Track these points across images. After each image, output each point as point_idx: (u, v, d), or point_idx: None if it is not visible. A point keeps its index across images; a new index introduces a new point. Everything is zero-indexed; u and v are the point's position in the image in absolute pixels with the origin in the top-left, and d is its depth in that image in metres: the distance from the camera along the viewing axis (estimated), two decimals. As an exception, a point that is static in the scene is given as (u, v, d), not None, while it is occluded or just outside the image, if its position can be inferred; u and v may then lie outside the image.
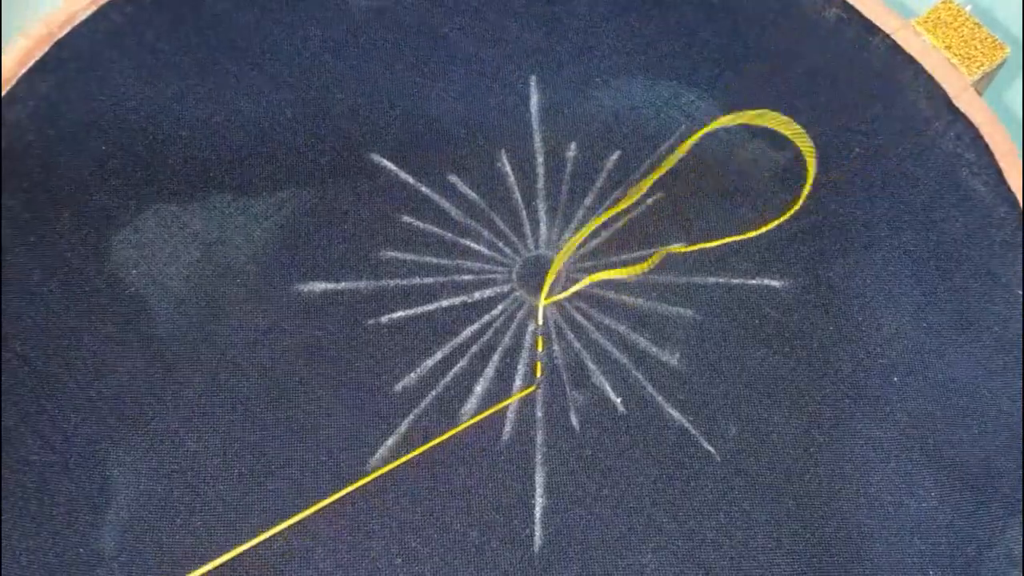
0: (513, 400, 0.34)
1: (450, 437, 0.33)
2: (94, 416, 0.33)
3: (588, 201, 0.37)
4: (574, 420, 0.34)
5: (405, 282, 0.35)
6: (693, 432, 0.33)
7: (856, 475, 0.33)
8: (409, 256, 0.36)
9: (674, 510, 0.32)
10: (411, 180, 0.37)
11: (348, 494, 0.32)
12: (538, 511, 0.32)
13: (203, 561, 0.32)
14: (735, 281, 0.35)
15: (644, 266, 0.35)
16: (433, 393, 0.34)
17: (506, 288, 0.36)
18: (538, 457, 0.33)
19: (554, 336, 0.35)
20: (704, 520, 0.32)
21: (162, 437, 0.33)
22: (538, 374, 0.34)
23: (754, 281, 0.35)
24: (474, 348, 0.35)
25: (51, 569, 0.32)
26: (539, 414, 0.34)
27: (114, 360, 0.34)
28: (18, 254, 0.36)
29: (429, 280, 0.36)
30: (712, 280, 0.35)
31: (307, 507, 0.32)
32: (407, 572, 0.32)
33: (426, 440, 0.33)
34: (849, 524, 0.32)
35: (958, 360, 0.34)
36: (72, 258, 0.36)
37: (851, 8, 0.40)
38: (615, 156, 0.37)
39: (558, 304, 0.35)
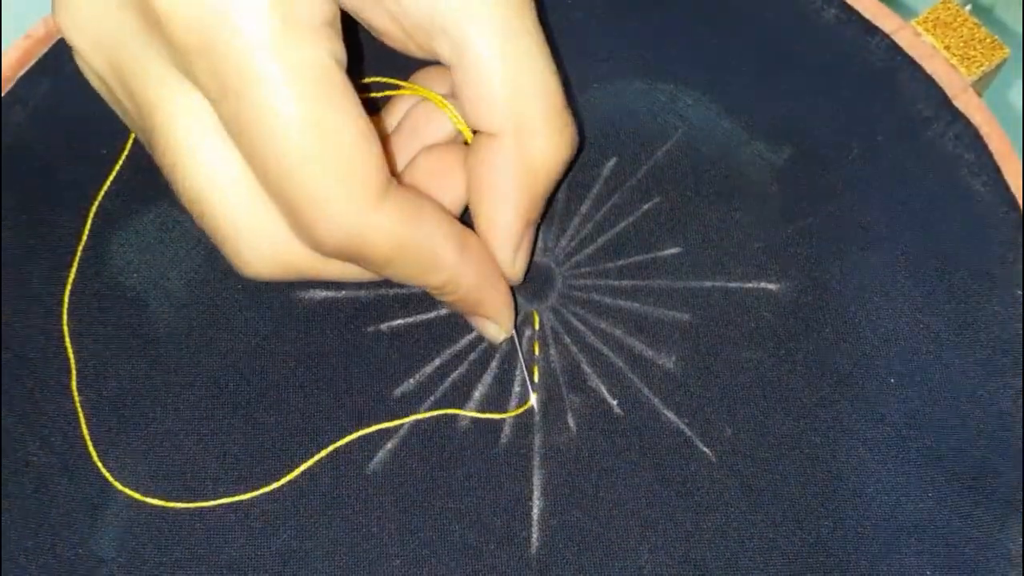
0: (512, 415, 0.34)
1: (446, 443, 0.34)
2: (94, 418, 0.34)
3: (584, 208, 0.37)
4: (571, 423, 0.34)
5: (404, 291, 0.36)
6: (689, 434, 0.34)
7: (852, 476, 0.33)
8: None
9: (670, 511, 0.33)
10: None
11: (346, 498, 0.33)
12: (536, 512, 0.33)
13: (204, 563, 0.32)
14: (732, 285, 0.36)
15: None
16: (432, 399, 0.34)
17: None
18: (536, 460, 0.33)
19: (551, 341, 0.35)
20: (700, 521, 0.32)
21: (162, 439, 0.34)
22: (535, 379, 0.34)
23: (751, 284, 0.36)
24: (472, 355, 0.35)
25: (50, 570, 0.32)
26: (537, 417, 0.34)
27: (115, 362, 0.35)
28: (18, 256, 0.36)
29: None
30: (708, 284, 0.36)
31: (306, 511, 0.33)
32: (405, 574, 0.32)
33: (425, 445, 0.34)
34: (846, 525, 0.32)
35: (956, 361, 0.34)
36: (72, 261, 0.36)
37: (850, 8, 0.40)
38: (611, 163, 0.37)
39: (554, 309, 0.36)
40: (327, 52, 0.27)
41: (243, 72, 0.26)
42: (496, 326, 0.34)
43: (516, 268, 0.34)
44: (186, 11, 0.26)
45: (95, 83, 0.32)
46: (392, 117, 0.35)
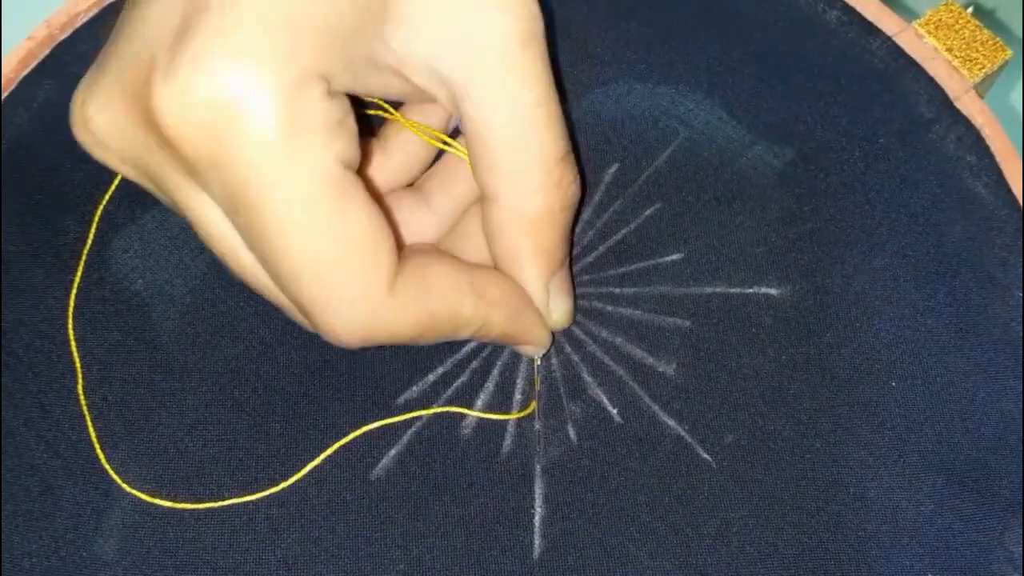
0: (512, 417, 0.34)
1: (449, 451, 0.34)
2: (99, 421, 0.34)
3: (586, 215, 0.37)
4: (572, 432, 0.34)
5: None
6: (689, 440, 0.34)
7: (853, 480, 0.33)
8: None
9: (671, 517, 0.33)
10: None
11: (350, 504, 0.33)
12: (537, 520, 0.33)
13: (207, 568, 0.33)
14: (732, 290, 0.36)
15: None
16: (435, 407, 0.34)
17: None
18: (537, 468, 0.34)
19: (551, 350, 0.35)
20: (701, 527, 0.33)
21: (166, 444, 0.34)
22: (536, 387, 0.35)
23: (752, 290, 0.36)
24: (474, 363, 0.35)
25: (54, 573, 0.32)
26: (538, 426, 0.34)
27: (120, 367, 0.35)
28: (22, 260, 0.36)
29: None
30: (709, 290, 0.36)
31: (311, 516, 0.33)
32: (409, 580, 0.32)
33: (428, 452, 0.34)
34: (847, 529, 0.32)
35: (957, 364, 0.34)
36: (77, 266, 0.36)
37: (851, 11, 0.39)
38: (613, 169, 0.37)
39: None
40: (334, 155, 0.27)
41: (250, 183, 0.27)
42: (534, 347, 0.34)
43: (554, 317, 0.34)
44: (193, 127, 0.26)
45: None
46: (390, 142, 0.35)
